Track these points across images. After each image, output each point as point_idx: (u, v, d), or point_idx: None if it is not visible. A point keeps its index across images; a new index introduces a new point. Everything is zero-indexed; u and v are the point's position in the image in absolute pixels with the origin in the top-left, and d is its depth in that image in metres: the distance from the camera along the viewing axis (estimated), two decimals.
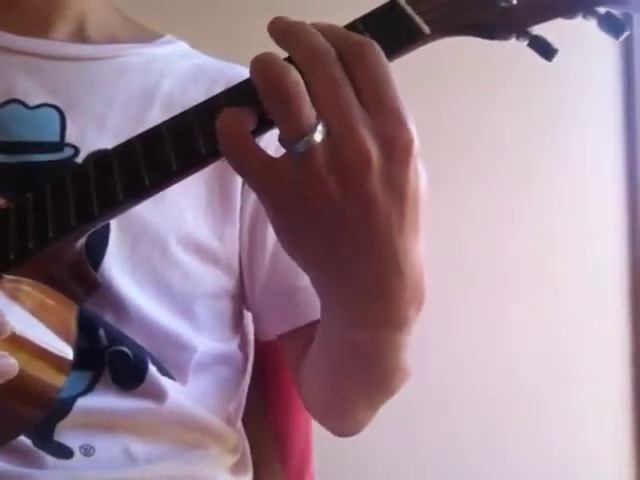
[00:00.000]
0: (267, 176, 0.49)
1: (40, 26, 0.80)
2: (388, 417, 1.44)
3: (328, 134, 0.48)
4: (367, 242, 0.51)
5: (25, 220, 0.57)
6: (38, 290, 0.56)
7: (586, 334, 1.57)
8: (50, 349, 0.55)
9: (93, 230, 0.58)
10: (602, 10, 0.52)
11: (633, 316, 1.59)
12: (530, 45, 0.53)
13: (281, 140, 0.49)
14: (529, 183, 1.55)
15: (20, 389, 0.53)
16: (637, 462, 1.59)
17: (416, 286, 0.55)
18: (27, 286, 0.56)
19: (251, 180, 0.50)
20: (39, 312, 0.56)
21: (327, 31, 0.50)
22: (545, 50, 0.52)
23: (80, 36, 0.81)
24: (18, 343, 0.53)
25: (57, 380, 0.55)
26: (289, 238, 0.53)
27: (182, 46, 0.88)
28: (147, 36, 0.86)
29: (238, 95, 0.52)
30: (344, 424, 0.79)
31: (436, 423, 1.49)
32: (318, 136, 0.48)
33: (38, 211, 0.57)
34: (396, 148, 0.48)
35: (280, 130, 0.49)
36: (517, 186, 1.55)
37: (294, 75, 0.48)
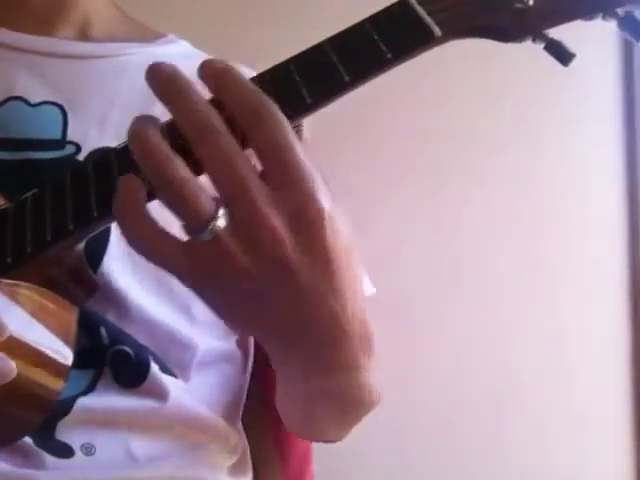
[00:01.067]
0: (182, 261, 0.48)
1: (44, 24, 0.80)
2: (387, 418, 1.44)
3: (232, 216, 0.46)
4: (299, 310, 0.50)
5: (24, 223, 0.56)
6: (37, 293, 0.55)
7: (586, 334, 1.57)
8: (49, 352, 0.54)
9: (93, 234, 0.58)
10: (622, 12, 0.50)
11: (633, 316, 1.59)
12: (546, 49, 0.51)
13: (184, 229, 0.47)
14: (528, 182, 1.55)
15: (19, 392, 0.52)
16: (637, 463, 1.59)
17: (360, 337, 0.54)
18: (25, 289, 0.55)
19: (169, 267, 0.49)
20: (38, 315, 0.55)
21: (217, 93, 0.48)
22: (562, 54, 0.51)
23: (83, 34, 0.82)
24: (16, 346, 0.52)
25: (56, 383, 0.54)
26: (218, 311, 0.52)
27: (184, 46, 0.88)
28: (149, 35, 0.86)
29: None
30: (317, 441, 0.79)
31: (435, 424, 1.49)
32: (222, 222, 0.46)
33: (37, 214, 0.55)
34: (304, 221, 0.47)
35: (180, 221, 0.47)
36: (516, 185, 1.55)
37: (179, 170, 0.46)
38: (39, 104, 0.75)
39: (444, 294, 1.50)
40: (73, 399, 0.69)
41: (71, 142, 0.73)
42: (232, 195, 0.46)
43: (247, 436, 0.84)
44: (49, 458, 0.68)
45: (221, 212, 0.46)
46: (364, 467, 1.43)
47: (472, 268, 1.51)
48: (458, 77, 1.47)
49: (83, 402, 0.69)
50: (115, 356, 0.71)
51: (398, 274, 1.46)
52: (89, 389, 0.70)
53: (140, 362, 0.72)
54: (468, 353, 1.50)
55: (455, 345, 1.50)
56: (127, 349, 0.71)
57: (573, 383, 1.56)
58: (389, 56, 0.50)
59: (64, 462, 0.68)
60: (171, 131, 0.48)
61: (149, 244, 0.48)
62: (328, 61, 0.51)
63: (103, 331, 0.71)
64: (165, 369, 0.74)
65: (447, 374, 1.49)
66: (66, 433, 0.69)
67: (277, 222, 0.46)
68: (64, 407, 0.69)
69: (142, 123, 0.48)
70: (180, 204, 0.46)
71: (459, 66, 1.41)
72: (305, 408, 0.68)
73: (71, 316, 0.57)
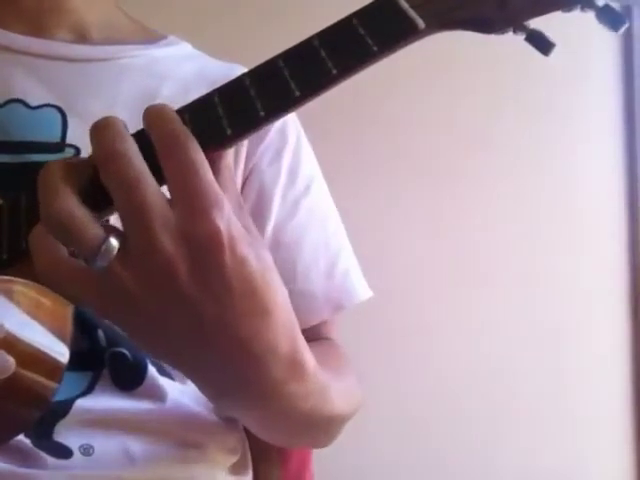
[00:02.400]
0: (82, 288, 0.47)
1: (43, 26, 0.80)
2: (387, 418, 1.45)
3: (127, 240, 0.46)
4: (207, 343, 0.48)
5: (18, 219, 0.56)
6: (33, 290, 0.55)
7: (586, 334, 1.57)
8: (45, 350, 0.54)
9: None
10: (601, 2, 0.50)
11: (633, 316, 1.59)
12: (527, 39, 0.51)
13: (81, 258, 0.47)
14: (528, 182, 1.55)
15: (15, 389, 0.52)
16: (638, 463, 1.59)
17: (288, 366, 0.52)
18: (21, 286, 0.55)
19: (67, 294, 0.49)
20: (34, 312, 0.55)
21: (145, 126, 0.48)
22: (543, 44, 0.51)
23: (82, 37, 0.82)
24: (12, 343, 0.52)
25: (53, 380, 0.54)
26: (130, 337, 0.51)
27: (185, 47, 0.88)
28: (150, 37, 0.86)
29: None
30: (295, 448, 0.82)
31: (434, 425, 1.49)
32: (112, 250, 0.45)
33: (30, 210, 0.55)
34: (199, 246, 0.46)
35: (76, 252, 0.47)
36: (516, 186, 1.55)
37: (61, 201, 0.45)
38: (39, 107, 0.75)
39: (442, 295, 1.50)
40: (72, 400, 0.69)
41: (70, 145, 0.74)
42: (128, 221, 0.46)
43: (247, 435, 0.85)
44: (48, 458, 0.68)
45: (112, 240, 0.45)
46: (364, 467, 1.44)
47: (471, 269, 1.51)
48: (457, 76, 1.47)
49: (81, 403, 0.70)
50: (113, 358, 0.71)
51: (397, 275, 1.46)
52: (87, 391, 0.71)
53: (138, 364, 0.72)
54: (467, 353, 1.50)
55: (454, 345, 1.50)
56: (125, 351, 0.72)
57: (573, 383, 1.56)
58: (375, 49, 0.51)
59: (63, 462, 0.68)
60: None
61: (56, 274, 0.47)
62: (317, 55, 0.51)
63: (101, 333, 0.71)
64: (163, 371, 0.74)
65: (446, 375, 1.49)
66: (64, 434, 0.69)
67: (174, 250, 0.45)
68: (63, 408, 0.69)
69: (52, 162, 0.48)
70: (64, 233, 0.46)
71: (459, 64, 1.41)
72: (259, 431, 0.69)
73: (66, 312, 0.56)
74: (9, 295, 0.54)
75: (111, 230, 0.46)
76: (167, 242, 0.45)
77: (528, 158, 1.55)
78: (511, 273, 1.53)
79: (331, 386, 0.61)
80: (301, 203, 0.85)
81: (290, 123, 0.86)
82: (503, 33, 0.52)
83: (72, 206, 0.45)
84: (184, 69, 0.83)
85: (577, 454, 1.56)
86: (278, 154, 0.85)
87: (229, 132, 0.50)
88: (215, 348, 0.49)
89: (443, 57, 1.34)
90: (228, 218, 0.46)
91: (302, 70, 0.51)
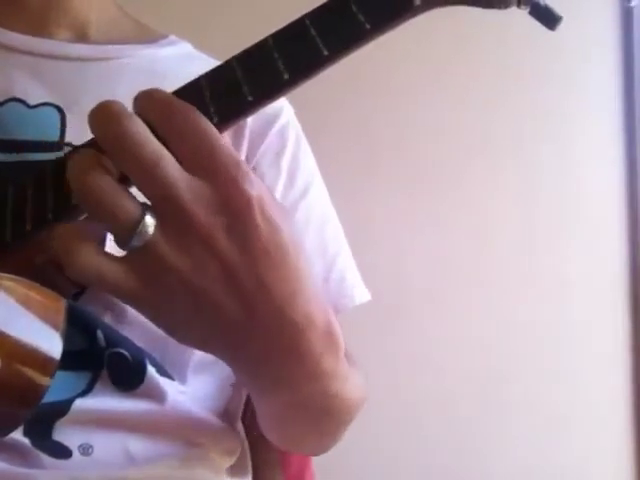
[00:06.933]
0: (126, 280, 0.47)
1: (42, 25, 0.80)
2: (387, 418, 1.45)
3: (160, 218, 0.46)
4: (247, 312, 0.49)
5: (4, 213, 0.56)
6: (21, 284, 0.54)
7: (586, 334, 1.57)
8: (36, 344, 0.53)
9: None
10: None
11: (633, 316, 1.59)
12: (531, 13, 0.49)
13: (115, 242, 0.47)
14: (526, 180, 1.55)
15: (4, 385, 0.51)
16: (638, 463, 1.59)
17: (324, 337, 0.53)
18: (9, 281, 0.54)
19: (115, 290, 0.48)
20: (24, 306, 0.53)
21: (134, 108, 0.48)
22: (548, 18, 0.49)
23: (82, 36, 0.82)
24: (1, 338, 0.51)
25: (44, 376, 0.53)
26: (170, 329, 0.51)
27: (186, 47, 0.88)
28: (150, 36, 0.86)
29: None
30: (300, 452, 0.82)
31: (434, 425, 1.49)
32: (149, 225, 0.45)
33: (17, 203, 0.55)
34: (232, 211, 0.46)
35: (110, 234, 0.47)
36: (514, 183, 1.55)
37: (98, 179, 0.45)
38: (38, 106, 0.75)
39: (442, 296, 1.50)
40: (70, 400, 0.69)
41: (69, 144, 0.73)
42: (157, 200, 0.46)
43: (247, 437, 0.85)
44: (47, 458, 0.68)
45: (148, 216, 0.45)
46: (364, 467, 1.44)
47: (470, 268, 1.51)
48: (455, 75, 1.47)
49: (80, 403, 0.70)
50: (112, 358, 0.71)
51: (397, 276, 1.46)
52: (86, 391, 0.71)
53: (137, 365, 0.72)
54: (467, 353, 1.51)
55: (454, 345, 1.50)
56: (124, 352, 0.71)
57: (573, 382, 1.56)
58: (368, 27, 0.49)
59: (62, 462, 0.69)
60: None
61: (95, 272, 0.47)
62: (307, 35, 0.50)
63: (100, 333, 0.71)
64: (162, 371, 0.74)
65: (446, 375, 1.50)
66: (63, 434, 0.69)
67: (206, 217, 0.46)
68: (61, 408, 0.69)
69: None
70: (101, 212, 0.45)
71: (458, 66, 1.41)
72: (279, 422, 0.69)
73: (59, 306, 0.55)
74: None
75: (146, 207, 0.46)
76: (202, 214, 0.45)
77: (527, 158, 1.55)
78: (511, 273, 1.54)
79: (351, 370, 0.62)
80: (299, 206, 0.85)
81: (290, 125, 0.86)
82: (505, 7, 0.50)
83: (107, 181, 0.45)
84: (185, 69, 0.83)
85: (577, 454, 1.56)
86: (277, 156, 0.84)
87: (215, 120, 0.50)
88: (254, 316, 0.49)
89: (443, 59, 1.34)
90: (253, 180, 0.47)
91: (292, 51, 0.50)
